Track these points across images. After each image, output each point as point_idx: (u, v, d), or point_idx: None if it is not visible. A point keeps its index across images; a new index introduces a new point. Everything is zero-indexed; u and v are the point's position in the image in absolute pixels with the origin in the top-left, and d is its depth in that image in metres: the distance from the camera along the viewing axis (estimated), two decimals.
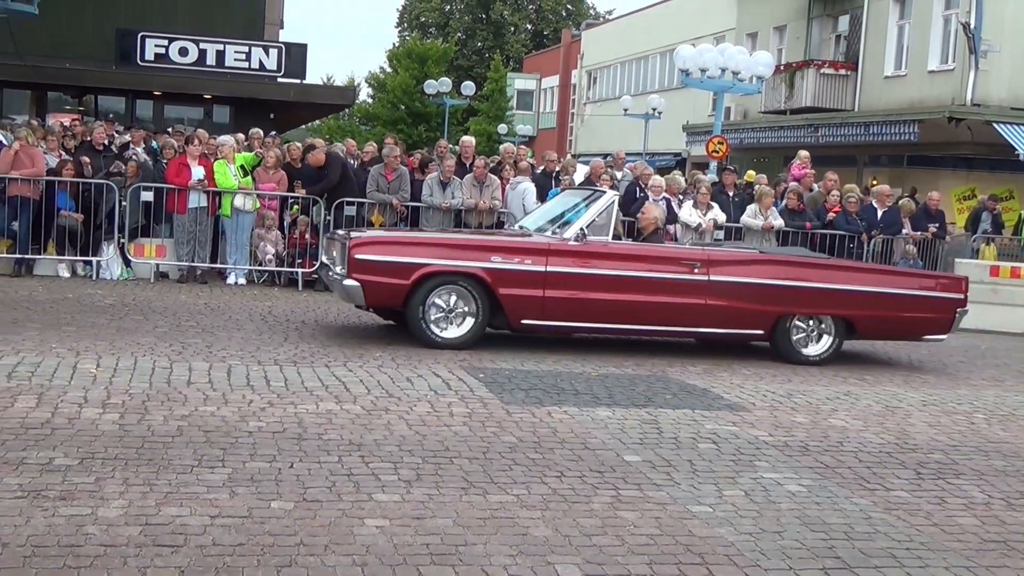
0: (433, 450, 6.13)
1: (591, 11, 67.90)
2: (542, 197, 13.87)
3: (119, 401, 6.69)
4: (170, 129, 17.62)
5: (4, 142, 13.42)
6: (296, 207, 13.80)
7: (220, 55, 23.31)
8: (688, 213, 13.90)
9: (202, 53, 23.22)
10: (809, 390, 8.95)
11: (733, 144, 24.48)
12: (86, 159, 13.26)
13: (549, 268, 9.77)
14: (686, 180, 15.24)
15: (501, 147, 18.17)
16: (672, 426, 7.17)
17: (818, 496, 5.83)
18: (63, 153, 13.51)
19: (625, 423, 7.15)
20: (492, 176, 14.08)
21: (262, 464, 5.59)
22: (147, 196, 13.33)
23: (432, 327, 9.63)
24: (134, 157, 13.87)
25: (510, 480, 5.68)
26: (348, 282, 9.60)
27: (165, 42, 22.97)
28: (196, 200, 13.28)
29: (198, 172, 13.34)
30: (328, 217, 13.41)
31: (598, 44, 47.47)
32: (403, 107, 49.12)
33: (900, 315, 10.68)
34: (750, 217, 14.11)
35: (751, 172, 18.23)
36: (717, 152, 19.72)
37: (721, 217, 14.04)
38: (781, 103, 28.85)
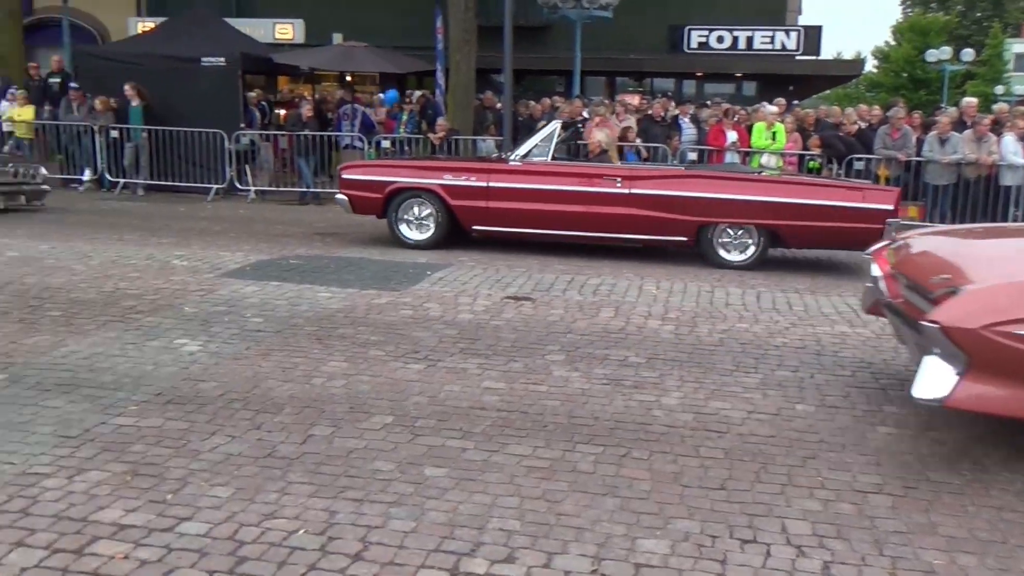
0: None
1: None
2: None
3: (674, 316, 6.91)
4: (708, 102, 17.71)
5: (586, 115, 14.29)
6: (812, 162, 13.34)
7: (749, 40, 22.97)
8: None
9: (735, 39, 23.02)
10: None
11: None
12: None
13: (491, 184, 9.46)
14: None
15: (995, 106, 16.17)
16: None
17: None
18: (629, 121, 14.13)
19: None
20: (990, 133, 12.58)
21: (787, 373, 5.50)
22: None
23: (403, 231, 9.75)
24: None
25: None
26: (338, 196, 10.13)
27: (707, 32, 23.07)
28: (730, 158, 13.31)
29: (731, 136, 13.39)
30: (839, 171, 12.83)
31: None
32: (905, 75, 45.31)
33: (823, 225, 9.01)
34: None
35: None
36: None
37: None
38: None
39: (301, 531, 3.30)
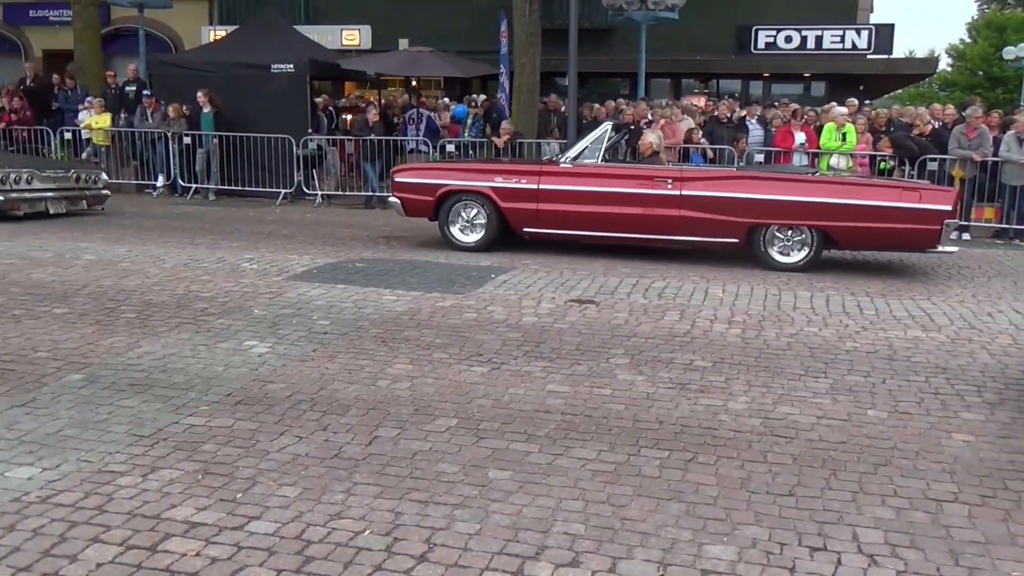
0: (1016, 378, 5.49)
1: None
2: None
3: (741, 319, 6.82)
4: (776, 103, 17.45)
5: (651, 118, 14.19)
6: (883, 163, 13.07)
7: (818, 39, 22.56)
8: None
9: (803, 39, 22.64)
10: None
11: None
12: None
13: (541, 186, 9.45)
14: None
15: None
16: None
17: None
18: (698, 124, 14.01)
19: None
20: None
21: (858, 378, 5.39)
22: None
23: (454, 234, 9.79)
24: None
25: None
26: (392, 199, 10.29)
27: (774, 32, 22.72)
28: (797, 160, 13.10)
29: (800, 137, 13.18)
30: (911, 172, 12.53)
31: None
32: (981, 73, 44.05)
33: (877, 226, 8.76)
34: None
35: None
36: None
37: None
38: None
39: (367, 532, 3.33)
